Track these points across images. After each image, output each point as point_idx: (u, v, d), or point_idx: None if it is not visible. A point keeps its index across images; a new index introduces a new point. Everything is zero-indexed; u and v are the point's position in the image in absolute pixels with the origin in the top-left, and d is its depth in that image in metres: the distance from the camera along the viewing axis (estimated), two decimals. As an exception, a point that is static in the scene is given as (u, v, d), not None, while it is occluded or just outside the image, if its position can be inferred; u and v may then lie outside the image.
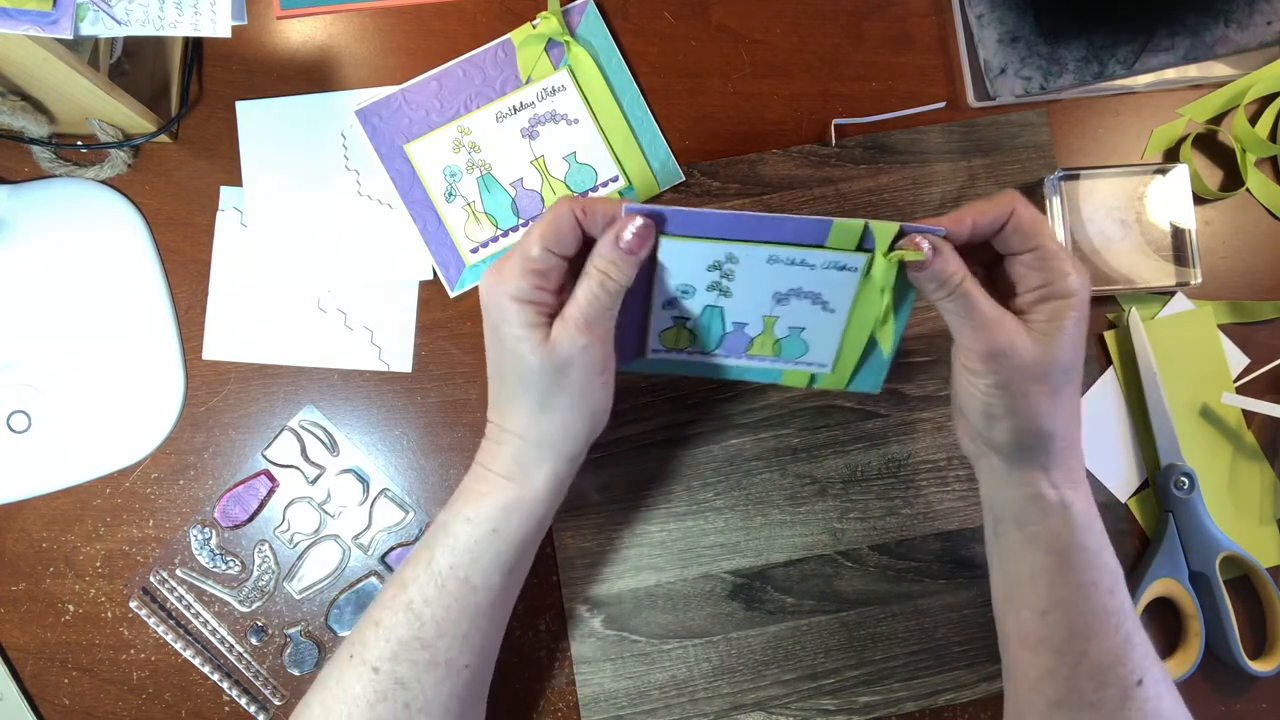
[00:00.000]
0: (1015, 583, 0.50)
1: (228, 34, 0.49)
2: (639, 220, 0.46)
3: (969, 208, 0.47)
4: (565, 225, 0.46)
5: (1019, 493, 0.48)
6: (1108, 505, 0.62)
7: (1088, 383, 0.63)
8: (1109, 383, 0.63)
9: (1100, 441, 0.62)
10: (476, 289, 0.62)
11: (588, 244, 0.47)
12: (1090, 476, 0.62)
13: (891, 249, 0.47)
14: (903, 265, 0.47)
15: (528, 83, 0.62)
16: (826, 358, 0.53)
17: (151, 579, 0.60)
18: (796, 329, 0.52)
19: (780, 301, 0.51)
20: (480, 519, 0.48)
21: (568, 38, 0.61)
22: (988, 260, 0.49)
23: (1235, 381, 0.63)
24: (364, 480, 0.61)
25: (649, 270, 0.49)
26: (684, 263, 0.49)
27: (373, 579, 0.60)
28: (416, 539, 0.61)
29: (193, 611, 0.60)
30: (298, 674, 0.60)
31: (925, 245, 0.45)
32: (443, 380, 0.62)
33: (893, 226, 0.46)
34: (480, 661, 0.49)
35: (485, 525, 0.48)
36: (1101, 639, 0.47)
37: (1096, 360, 0.63)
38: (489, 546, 0.48)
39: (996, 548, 0.51)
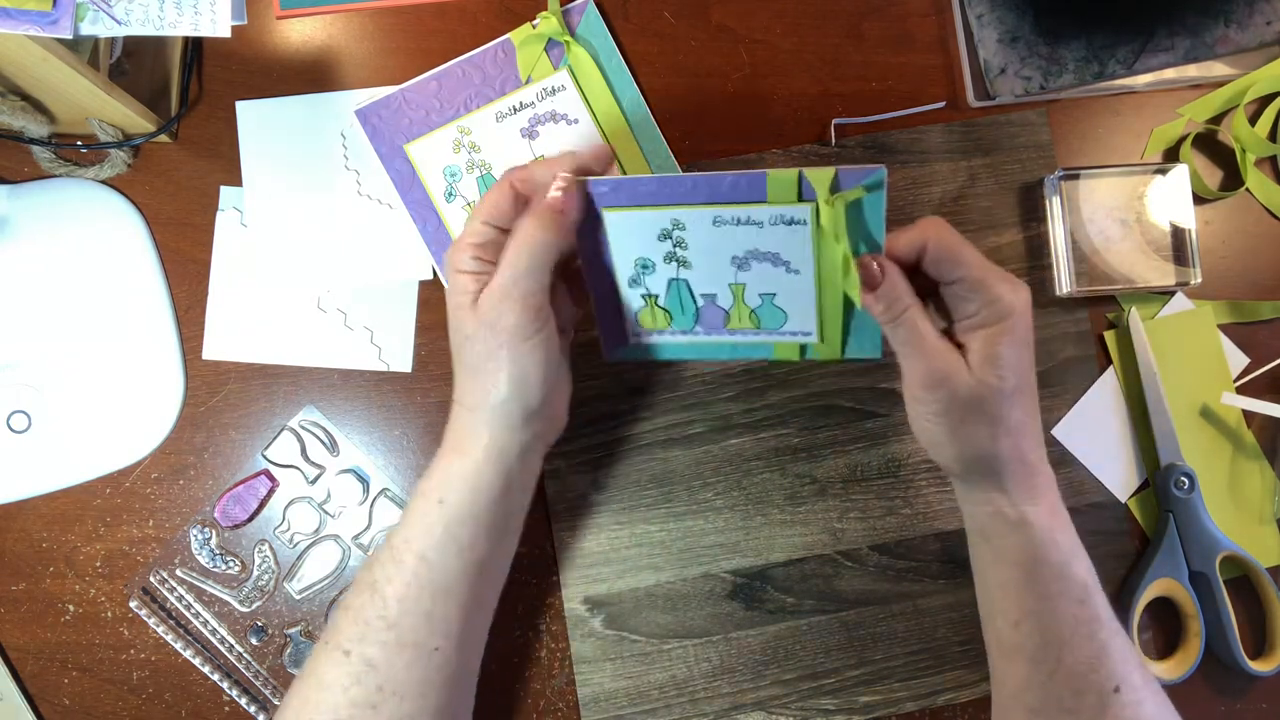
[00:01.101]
0: (988, 593, 0.51)
1: (228, 34, 0.49)
2: (562, 178, 0.47)
3: (888, 236, 0.47)
4: (503, 199, 0.47)
5: (978, 509, 0.49)
6: (1107, 505, 0.62)
7: (1087, 383, 0.63)
8: (1109, 383, 0.63)
9: (1100, 441, 0.62)
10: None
11: None
12: (1090, 477, 0.62)
13: (835, 191, 0.46)
14: (854, 207, 0.46)
15: (528, 83, 0.62)
16: (809, 324, 0.52)
17: (151, 579, 0.60)
18: (768, 295, 0.51)
19: (741, 267, 0.51)
20: (429, 491, 0.48)
21: (568, 38, 0.61)
22: (930, 286, 0.49)
23: (1235, 381, 0.63)
24: (364, 480, 0.61)
25: (606, 250, 0.50)
26: (634, 235, 0.49)
27: (373, 579, 0.60)
28: (416, 539, 0.61)
29: (193, 611, 0.60)
30: (297, 674, 0.60)
31: (874, 266, 0.46)
32: (443, 380, 0.62)
33: (828, 171, 0.46)
34: (452, 647, 0.48)
35: (433, 496, 0.48)
36: (1074, 648, 0.47)
37: (1096, 360, 0.63)
38: (438, 519, 0.48)
39: (973, 558, 0.52)
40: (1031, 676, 0.48)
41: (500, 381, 0.47)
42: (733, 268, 0.51)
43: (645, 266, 0.51)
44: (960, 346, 0.46)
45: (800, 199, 0.47)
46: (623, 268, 0.51)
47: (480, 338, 0.46)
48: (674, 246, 0.50)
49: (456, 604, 0.48)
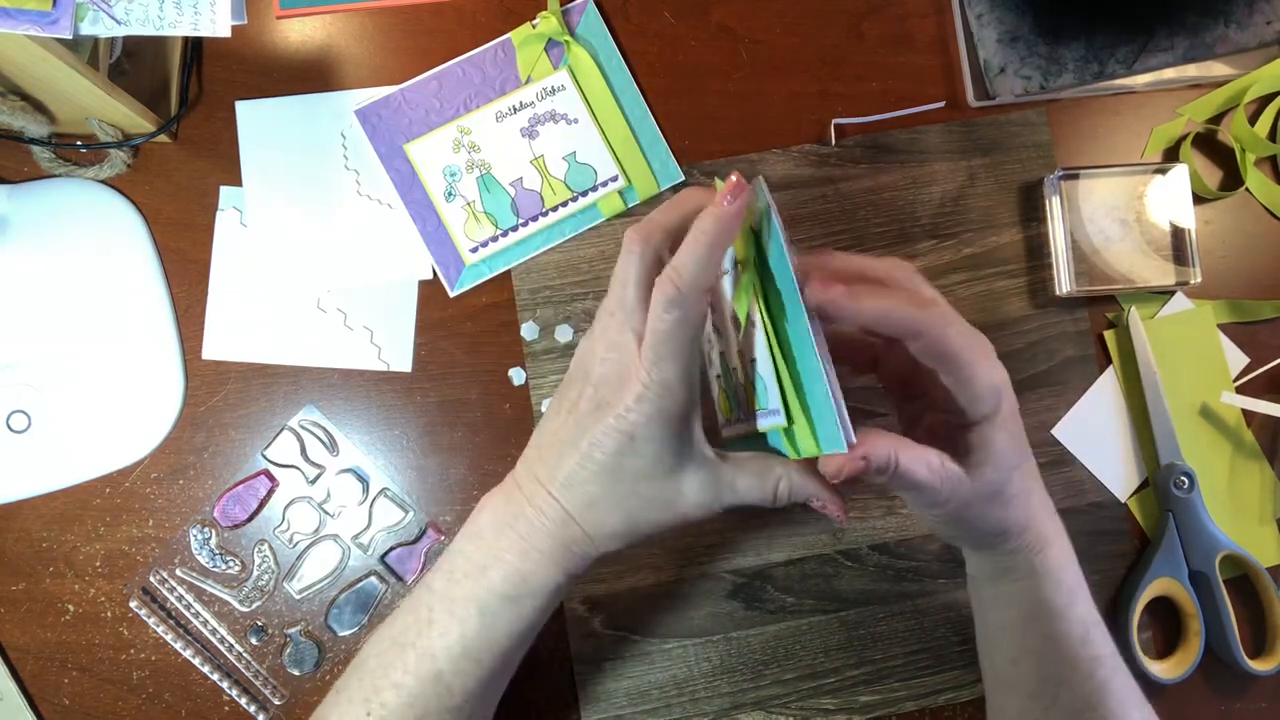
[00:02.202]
0: (989, 631, 0.50)
1: (227, 34, 0.49)
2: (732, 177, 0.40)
3: (874, 296, 0.39)
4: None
5: (984, 559, 0.48)
6: (1107, 505, 0.62)
7: (1087, 383, 0.63)
8: (1109, 382, 0.63)
9: (1100, 441, 0.62)
10: (477, 289, 0.62)
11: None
12: (1090, 476, 0.62)
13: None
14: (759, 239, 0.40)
15: (527, 82, 0.62)
16: (776, 399, 0.41)
17: (151, 579, 0.60)
18: (753, 361, 0.43)
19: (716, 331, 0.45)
20: (462, 603, 0.45)
21: (567, 37, 0.61)
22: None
23: (1235, 381, 0.63)
24: (364, 480, 0.61)
25: None
26: None
27: (372, 579, 0.60)
28: (416, 539, 0.61)
29: (193, 611, 0.60)
30: (298, 674, 0.60)
31: (839, 463, 0.39)
32: (442, 380, 0.62)
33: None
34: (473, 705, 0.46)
35: (470, 622, 0.44)
36: (1072, 685, 0.46)
37: (1096, 360, 0.63)
38: (474, 649, 0.45)
39: (973, 597, 0.51)
40: (1028, 710, 0.48)
41: (644, 514, 0.42)
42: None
43: None
44: (951, 439, 0.43)
45: None
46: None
47: (671, 444, 0.40)
48: None
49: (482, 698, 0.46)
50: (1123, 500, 0.62)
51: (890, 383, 0.47)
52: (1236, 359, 0.63)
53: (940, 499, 0.42)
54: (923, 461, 0.40)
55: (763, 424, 0.43)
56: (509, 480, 0.45)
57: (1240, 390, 0.63)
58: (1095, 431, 0.62)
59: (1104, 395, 0.63)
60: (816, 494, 0.43)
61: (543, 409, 0.61)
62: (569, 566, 0.44)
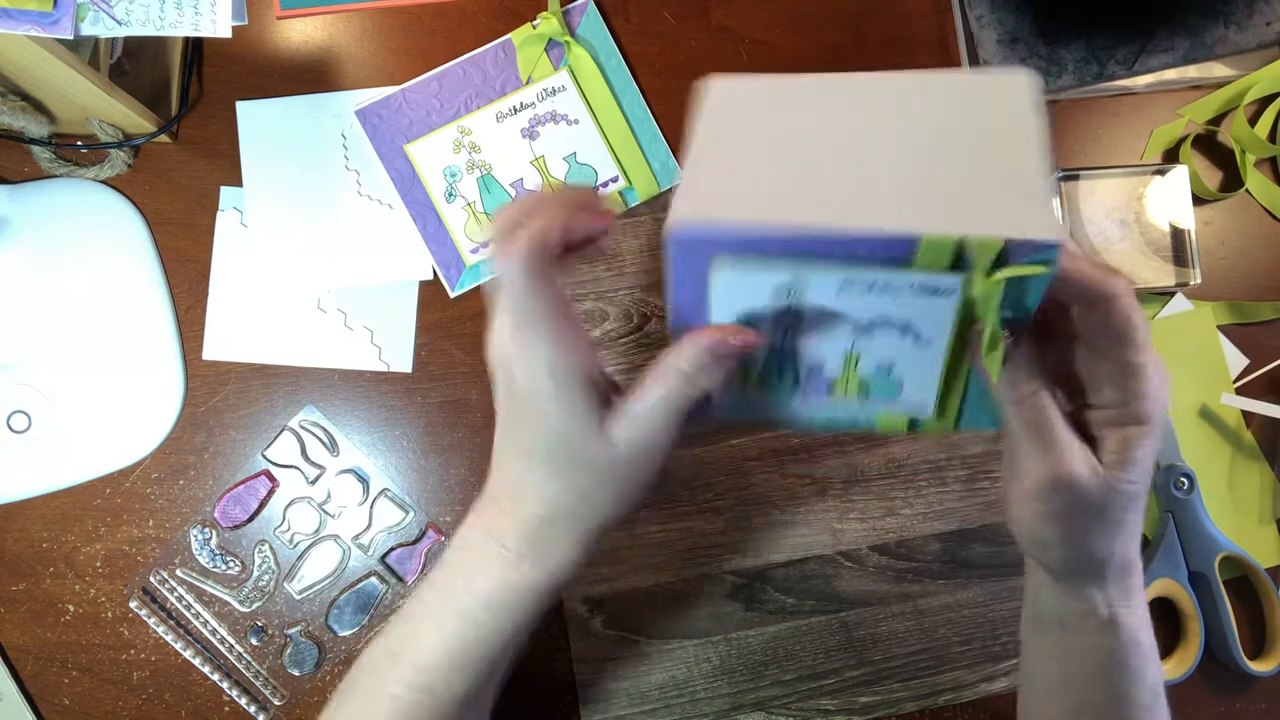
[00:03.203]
0: (1047, 678, 0.48)
1: (228, 34, 0.49)
2: (746, 334, 0.40)
3: (1072, 259, 0.38)
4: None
5: (1065, 604, 0.45)
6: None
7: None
8: (1108, 383, 0.63)
9: (1100, 442, 0.63)
10: (477, 289, 0.62)
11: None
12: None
13: (995, 268, 0.38)
14: (1015, 282, 0.39)
15: (528, 83, 0.62)
16: (926, 397, 0.43)
17: (151, 579, 0.60)
18: (885, 367, 0.43)
19: (863, 334, 0.43)
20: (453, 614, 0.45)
21: (568, 38, 0.62)
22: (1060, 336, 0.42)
23: (1235, 382, 0.63)
24: (364, 480, 0.61)
25: (705, 306, 0.42)
26: (740, 295, 0.41)
27: (373, 579, 0.60)
28: (417, 539, 0.61)
29: (193, 611, 0.60)
30: (298, 674, 0.60)
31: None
32: (443, 380, 0.62)
33: (996, 241, 0.38)
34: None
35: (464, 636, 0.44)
36: None
37: (1096, 360, 0.63)
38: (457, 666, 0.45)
39: (1034, 639, 0.48)
40: None
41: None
42: (852, 334, 0.43)
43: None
44: (1090, 438, 0.40)
45: (953, 268, 0.40)
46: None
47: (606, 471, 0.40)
48: (788, 309, 0.42)
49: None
50: (1122, 501, 0.62)
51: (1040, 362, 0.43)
52: (1236, 360, 0.63)
53: (1064, 475, 0.40)
54: (1056, 411, 0.40)
55: (871, 411, 0.44)
56: (488, 494, 0.44)
57: (1240, 391, 0.63)
58: (1095, 432, 0.62)
59: (1104, 396, 0.63)
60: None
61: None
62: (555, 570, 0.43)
